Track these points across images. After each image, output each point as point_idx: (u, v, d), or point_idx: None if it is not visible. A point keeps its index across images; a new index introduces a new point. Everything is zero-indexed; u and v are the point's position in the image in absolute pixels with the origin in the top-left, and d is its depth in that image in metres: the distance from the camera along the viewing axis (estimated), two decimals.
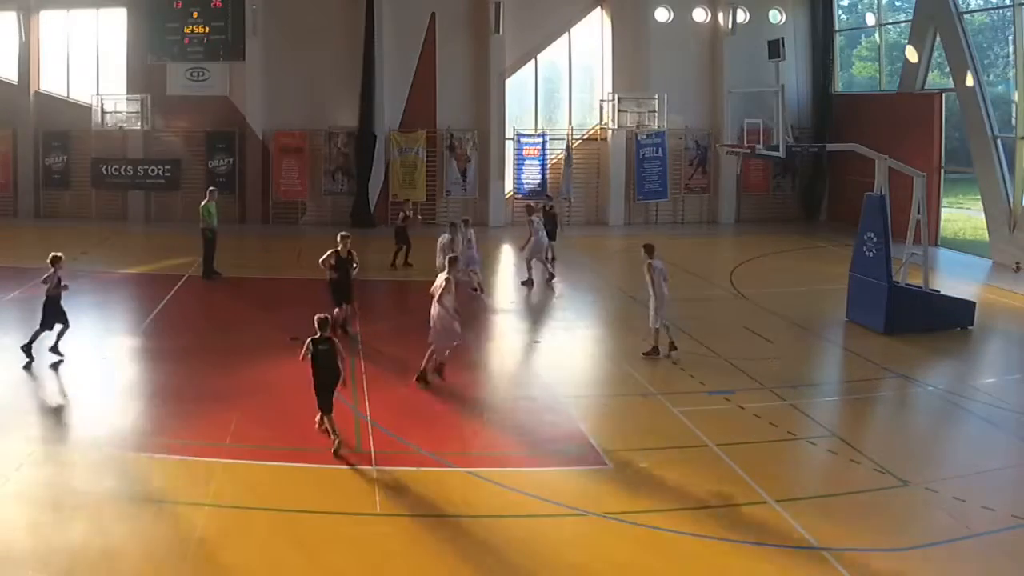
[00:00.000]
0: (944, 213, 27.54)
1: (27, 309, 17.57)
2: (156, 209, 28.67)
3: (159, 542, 8.40)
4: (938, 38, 25.33)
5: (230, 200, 27.35)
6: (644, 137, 29.12)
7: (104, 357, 14.41)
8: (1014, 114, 23.21)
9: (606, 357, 15.06)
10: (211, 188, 21.59)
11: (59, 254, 14.29)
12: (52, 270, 13.99)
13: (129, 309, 18.15)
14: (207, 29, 28.42)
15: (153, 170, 28.39)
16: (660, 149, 29.42)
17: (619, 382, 13.75)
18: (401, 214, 22.58)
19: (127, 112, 27.80)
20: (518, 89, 29.82)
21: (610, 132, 29.33)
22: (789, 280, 20.83)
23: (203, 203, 20.41)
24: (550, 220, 22.98)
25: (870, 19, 30.50)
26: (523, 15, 28.75)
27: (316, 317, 11.01)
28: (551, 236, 22.26)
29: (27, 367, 13.50)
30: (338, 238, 15.74)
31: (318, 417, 11.04)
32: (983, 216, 24.59)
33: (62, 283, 14.18)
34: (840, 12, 31.48)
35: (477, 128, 28.94)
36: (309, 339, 10.85)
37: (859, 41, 32.28)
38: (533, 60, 29.74)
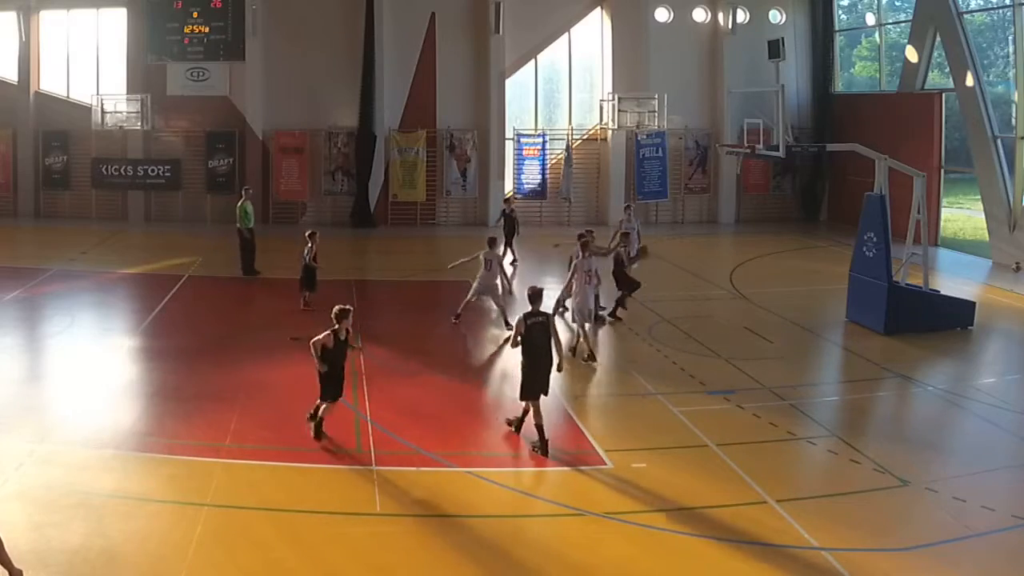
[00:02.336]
0: (944, 213, 27.56)
1: (27, 309, 17.62)
2: (156, 209, 28.68)
3: (159, 542, 8.40)
4: (938, 38, 25.34)
5: (230, 200, 27.32)
6: (644, 137, 29.11)
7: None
8: (1014, 114, 23.21)
9: (606, 357, 15.05)
10: (246, 187, 21.84)
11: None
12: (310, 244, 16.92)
13: (129, 309, 18.15)
14: (207, 29, 28.43)
15: (153, 170, 28.40)
16: (660, 149, 29.41)
17: (619, 382, 13.75)
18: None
19: (127, 112, 27.81)
20: (518, 89, 29.84)
21: (610, 132, 29.33)
22: (789, 280, 20.83)
23: (239, 203, 20.51)
24: (509, 222, 22.18)
25: (870, 19, 30.50)
26: (523, 15, 28.76)
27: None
28: (510, 239, 21.92)
29: None
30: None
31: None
32: (983, 216, 24.59)
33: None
34: (840, 12, 31.49)
35: (477, 128, 28.95)
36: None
37: (859, 41, 32.29)
38: (533, 60, 29.75)
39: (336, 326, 10.68)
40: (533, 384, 10.65)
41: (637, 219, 20.62)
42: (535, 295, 10.80)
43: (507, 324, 16.15)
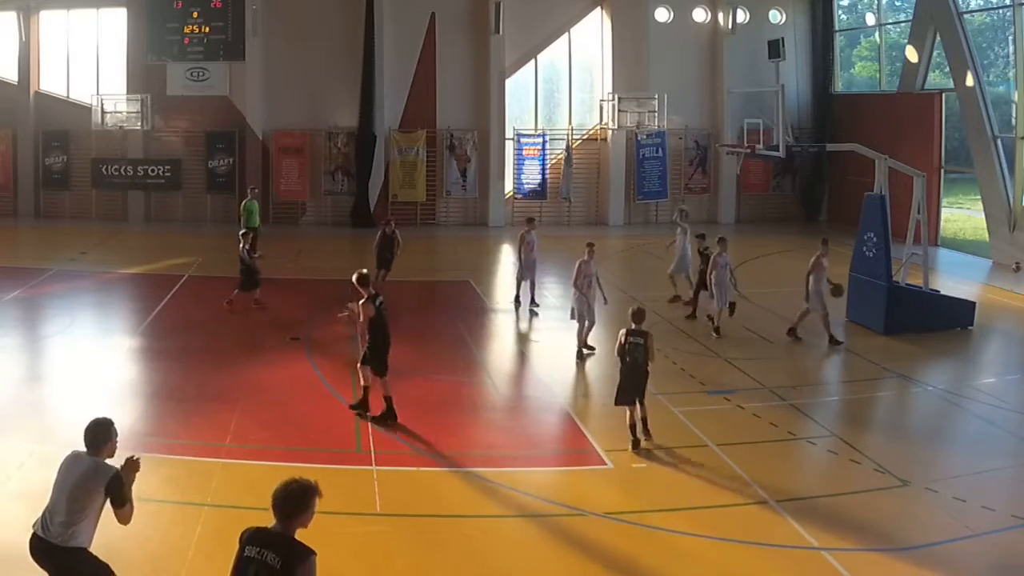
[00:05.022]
0: (944, 213, 27.57)
1: (27, 309, 17.62)
2: (156, 209, 28.69)
3: (159, 542, 8.39)
4: (938, 38, 25.34)
5: (230, 200, 27.38)
6: (644, 137, 29.11)
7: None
8: (1014, 114, 23.23)
9: (606, 357, 15.02)
10: (252, 187, 22.21)
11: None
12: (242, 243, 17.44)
13: (129, 309, 18.15)
14: (207, 29, 28.44)
15: (153, 170, 28.41)
16: (660, 149, 29.42)
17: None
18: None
19: (127, 112, 27.83)
20: (518, 89, 29.84)
21: (610, 132, 29.33)
22: (789, 280, 20.78)
23: (244, 201, 20.72)
24: (386, 244, 18.79)
25: (870, 19, 30.52)
26: (523, 15, 28.76)
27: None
28: (385, 263, 18.74)
29: None
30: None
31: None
32: (983, 216, 24.60)
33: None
34: (840, 12, 31.51)
35: (477, 128, 28.95)
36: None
37: (859, 41, 32.30)
38: (533, 60, 29.76)
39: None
40: (625, 392, 11.08)
41: (686, 231, 18.99)
42: (638, 314, 11.20)
43: (518, 300, 18.11)
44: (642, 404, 11.09)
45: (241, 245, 17.40)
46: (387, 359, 11.68)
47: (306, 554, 5.19)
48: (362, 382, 11.77)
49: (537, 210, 29.09)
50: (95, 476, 6.24)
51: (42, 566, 6.40)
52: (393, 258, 18.87)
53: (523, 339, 16.79)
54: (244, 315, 17.26)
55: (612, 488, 9.91)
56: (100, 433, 6.45)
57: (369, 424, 11.47)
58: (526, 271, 18.13)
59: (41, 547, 6.32)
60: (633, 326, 11.14)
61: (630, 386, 11.01)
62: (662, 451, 10.88)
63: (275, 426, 11.42)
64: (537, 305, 18.17)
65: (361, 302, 11.51)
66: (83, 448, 6.47)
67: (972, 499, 9.52)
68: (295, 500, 5.24)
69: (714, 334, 15.99)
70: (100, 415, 6.66)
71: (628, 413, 11.03)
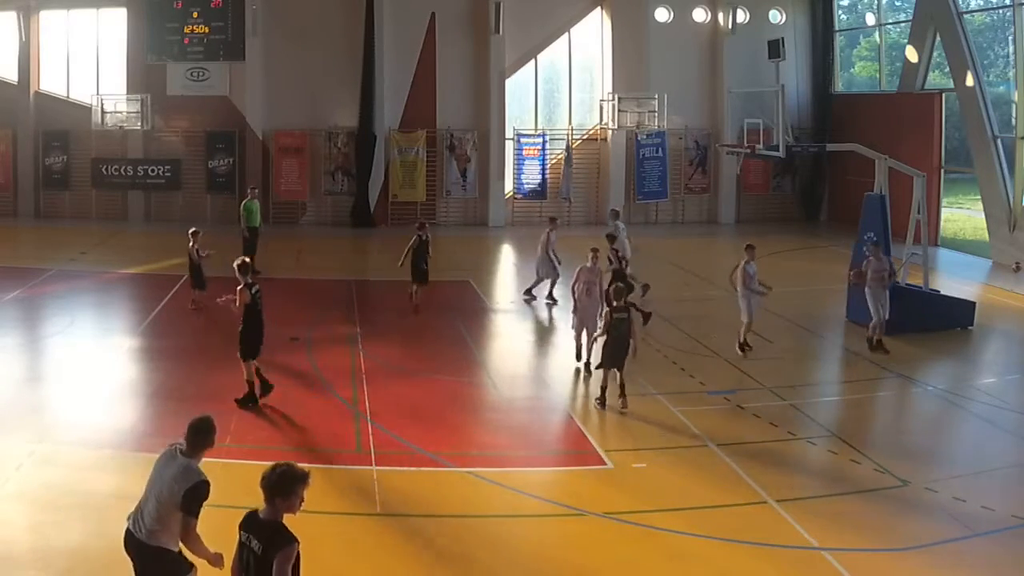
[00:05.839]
0: (944, 213, 27.57)
1: (27, 309, 17.63)
2: (156, 209, 28.67)
3: None
4: (938, 38, 25.35)
5: (230, 200, 27.35)
6: (644, 137, 29.10)
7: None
8: (1014, 114, 23.22)
9: None
10: (252, 187, 22.23)
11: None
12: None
13: (129, 309, 18.15)
14: (207, 29, 28.42)
15: (153, 170, 28.39)
16: (660, 149, 29.40)
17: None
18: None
19: (127, 112, 27.77)
20: (518, 89, 29.83)
21: (610, 132, 29.33)
22: (789, 280, 20.79)
23: (244, 201, 20.85)
24: (422, 251, 17.75)
25: (870, 19, 30.51)
26: (523, 15, 28.74)
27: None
28: (421, 276, 17.73)
29: None
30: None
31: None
32: (983, 216, 24.60)
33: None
34: (840, 12, 31.50)
35: (477, 128, 28.93)
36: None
37: (859, 41, 32.30)
38: (533, 60, 29.74)
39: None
40: (610, 360, 12.28)
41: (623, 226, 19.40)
42: (618, 292, 12.54)
43: (529, 293, 18.86)
44: (620, 371, 12.17)
45: (191, 244, 17.30)
46: (259, 346, 12.33)
47: (284, 542, 5.31)
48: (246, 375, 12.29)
49: (537, 210, 29.20)
50: (183, 478, 6.17)
51: (132, 560, 6.36)
52: (428, 268, 17.91)
53: (524, 339, 16.79)
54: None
55: (612, 488, 9.91)
56: (200, 435, 6.32)
57: (369, 424, 11.48)
58: (549, 270, 18.60)
59: (131, 541, 6.30)
60: (615, 303, 12.23)
61: (614, 355, 12.11)
62: (662, 451, 10.89)
63: (275, 426, 11.42)
64: (533, 297, 18.60)
65: (239, 288, 12.13)
66: (180, 443, 6.34)
67: (972, 499, 9.52)
68: (274, 483, 5.41)
69: (739, 350, 14.95)
70: (204, 413, 6.52)
71: (604, 375, 12.30)
